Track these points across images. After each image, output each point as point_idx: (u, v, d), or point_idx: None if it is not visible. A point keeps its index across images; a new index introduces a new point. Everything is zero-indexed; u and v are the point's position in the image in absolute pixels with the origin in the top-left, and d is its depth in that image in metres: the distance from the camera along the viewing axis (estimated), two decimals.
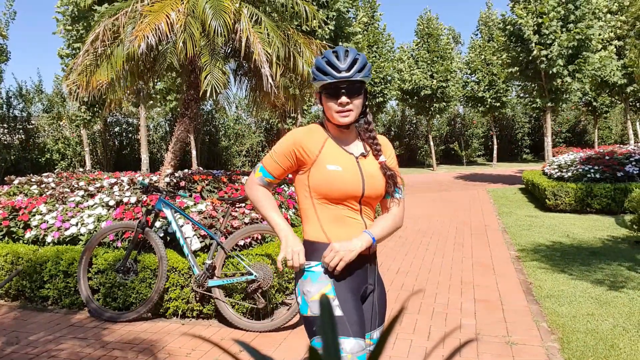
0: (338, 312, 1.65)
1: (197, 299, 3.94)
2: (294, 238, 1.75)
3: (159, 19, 4.45)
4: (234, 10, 4.81)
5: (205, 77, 4.68)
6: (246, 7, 5.09)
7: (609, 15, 15.57)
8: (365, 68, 1.71)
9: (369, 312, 1.79)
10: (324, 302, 0.60)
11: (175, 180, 5.34)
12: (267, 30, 5.11)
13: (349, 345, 1.62)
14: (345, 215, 1.74)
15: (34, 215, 4.84)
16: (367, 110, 1.83)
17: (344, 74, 1.67)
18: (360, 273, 1.75)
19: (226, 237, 4.09)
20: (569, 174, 9.51)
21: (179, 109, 11.46)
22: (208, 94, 4.65)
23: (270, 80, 4.76)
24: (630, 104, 18.40)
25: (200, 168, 8.14)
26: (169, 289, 3.96)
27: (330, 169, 1.71)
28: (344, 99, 1.69)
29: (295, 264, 1.71)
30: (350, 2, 11.80)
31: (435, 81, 19.24)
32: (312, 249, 1.73)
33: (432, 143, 21.77)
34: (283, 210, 5.17)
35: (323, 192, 1.72)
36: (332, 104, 1.71)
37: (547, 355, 3.17)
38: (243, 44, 4.86)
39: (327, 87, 1.71)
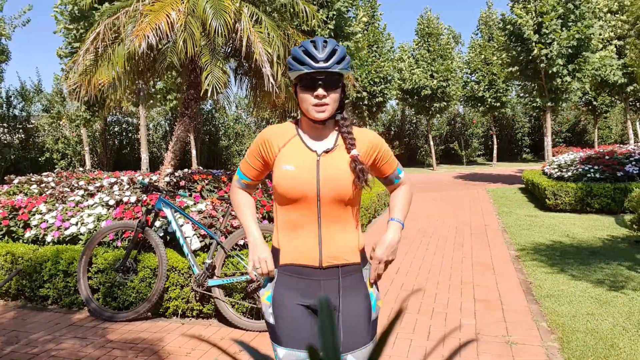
0: (271, 319, 1.65)
1: (197, 298, 3.93)
2: (261, 245, 1.72)
3: (160, 18, 4.44)
4: (234, 9, 4.81)
5: (206, 77, 4.67)
6: (246, 6, 5.08)
7: (608, 15, 15.57)
8: (345, 60, 1.61)
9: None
10: (323, 302, 0.59)
11: (175, 180, 5.34)
12: (267, 30, 5.10)
13: (282, 352, 1.63)
14: (299, 221, 1.63)
15: (34, 214, 4.84)
16: (345, 105, 1.72)
17: (321, 65, 1.56)
18: (308, 285, 1.64)
19: (226, 237, 4.08)
20: (569, 173, 9.51)
21: (179, 109, 11.47)
22: (209, 94, 4.65)
23: (271, 79, 4.76)
24: (630, 103, 18.39)
25: (200, 167, 8.14)
26: (169, 289, 3.96)
27: (284, 168, 1.63)
28: (320, 91, 1.58)
29: (264, 270, 1.69)
30: (351, 1, 11.78)
31: (435, 81, 19.23)
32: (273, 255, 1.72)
33: (432, 143, 21.77)
34: None
35: (278, 193, 1.64)
36: (307, 97, 1.60)
37: (547, 355, 3.16)
38: (244, 44, 4.85)
39: (303, 79, 1.60)
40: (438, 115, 22.67)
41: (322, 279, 1.64)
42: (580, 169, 9.42)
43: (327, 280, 1.64)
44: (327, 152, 1.65)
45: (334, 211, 1.63)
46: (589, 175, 9.19)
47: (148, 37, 4.28)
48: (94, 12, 7.81)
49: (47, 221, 4.68)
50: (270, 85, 4.76)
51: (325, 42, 1.62)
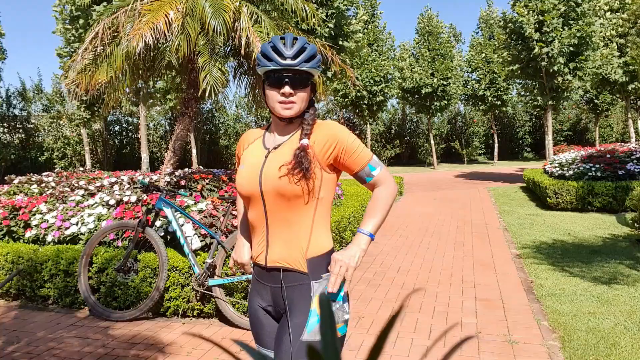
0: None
1: (198, 298, 3.93)
2: (241, 248, 1.80)
3: (158, 17, 4.43)
4: (233, 9, 4.80)
5: (205, 77, 4.66)
6: (246, 5, 5.07)
7: (609, 13, 15.54)
8: (314, 59, 1.56)
9: (283, 335, 1.55)
10: (323, 300, 0.58)
11: (175, 179, 5.33)
12: (267, 29, 5.09)
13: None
14: (254, 219, 1.61)
15: (34, 214, 4.83)
16: (314, 104, 1.66)
17: (288, 62, 1.53)
18: (260, 286, 1.64)
19: (227, 236, 4.08)
20: (570, 172, 9.49)
21: (179, 108, 11.47)
22: (207, 93, 4.64)
23: None
24: (632, 102, 18.36)
25: (201, 167, 8.13)
26: (170, 288, 3.95)
27: (239, 169, 1.65)
28: (287, 88, 1.54)
29: (246, 271, 1.81)
30: (350, 0, 11.74)
31: (435, 79, 19.21)
32: None
33: (432, 141, 21.74)
34: None
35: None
36: (274, 94, 1.56)
37: (548, 354, 3.16)
38: (243, 43, 4.84)
39: (270, 75, 1.56)
40: (439, 114, 22.65)
41: (269, 284, 1.60)
42: (581, 168, 9.40)
43: (274, 285, 1.59)
44: (277, 147, 1.61)
45: (279, 209, 1.55)
46: (590, 173, 9.18)
47: (145, 37, 4.27)
48: (92, 11, 7.79)
49: (48, 221, 4.67)
50: None
51: (295, 39, 1.57)
